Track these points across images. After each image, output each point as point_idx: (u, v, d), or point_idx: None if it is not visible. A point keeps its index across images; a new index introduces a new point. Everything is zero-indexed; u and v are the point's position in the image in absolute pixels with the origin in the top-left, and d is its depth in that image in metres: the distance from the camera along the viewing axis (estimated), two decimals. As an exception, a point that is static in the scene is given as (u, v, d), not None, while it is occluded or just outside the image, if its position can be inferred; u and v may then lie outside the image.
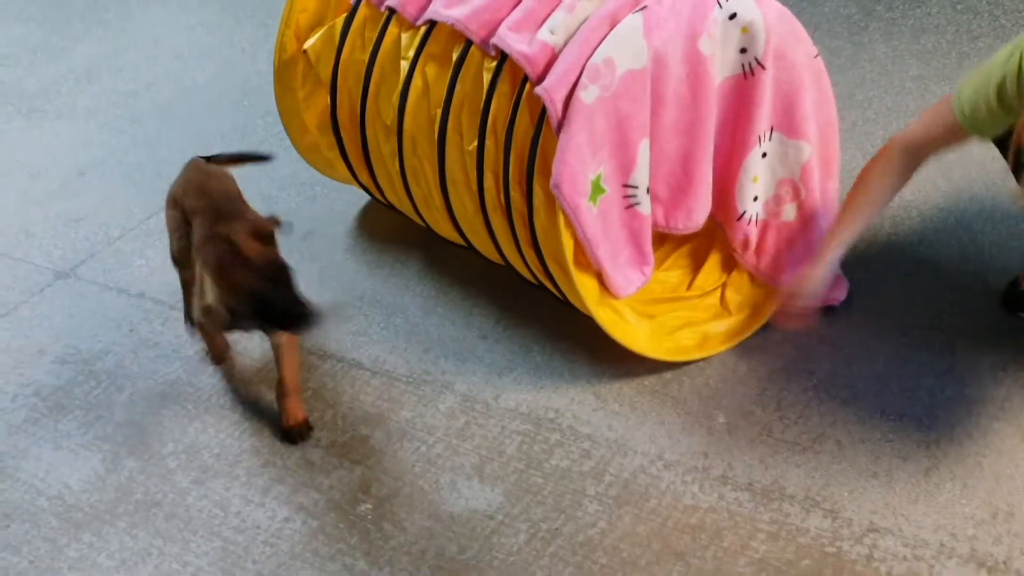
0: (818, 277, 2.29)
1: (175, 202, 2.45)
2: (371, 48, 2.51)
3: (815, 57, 2.34)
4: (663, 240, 2.69)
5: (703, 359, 2.47)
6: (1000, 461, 2.14)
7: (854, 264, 2.59)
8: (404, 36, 2.46)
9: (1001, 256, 2.61)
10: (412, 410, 2.44)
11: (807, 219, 2.48)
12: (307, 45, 2.65)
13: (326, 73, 2.63)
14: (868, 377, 2.37)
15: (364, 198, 3.10)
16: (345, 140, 2.71)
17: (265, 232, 2.27)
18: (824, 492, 2.12)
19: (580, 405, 2.40)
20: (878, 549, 2.01)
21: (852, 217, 2.30)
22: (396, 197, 2.76)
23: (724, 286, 2.61)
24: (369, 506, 2.22)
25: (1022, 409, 2.24)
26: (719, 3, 2.19)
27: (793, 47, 2.30)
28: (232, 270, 2.17)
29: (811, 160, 2.42)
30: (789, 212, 2.48)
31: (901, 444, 2.19)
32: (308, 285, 2.81)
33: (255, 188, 3.24)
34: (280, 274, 2.18)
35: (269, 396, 2.48)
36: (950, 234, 2.73)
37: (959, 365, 2.36)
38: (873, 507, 2.08)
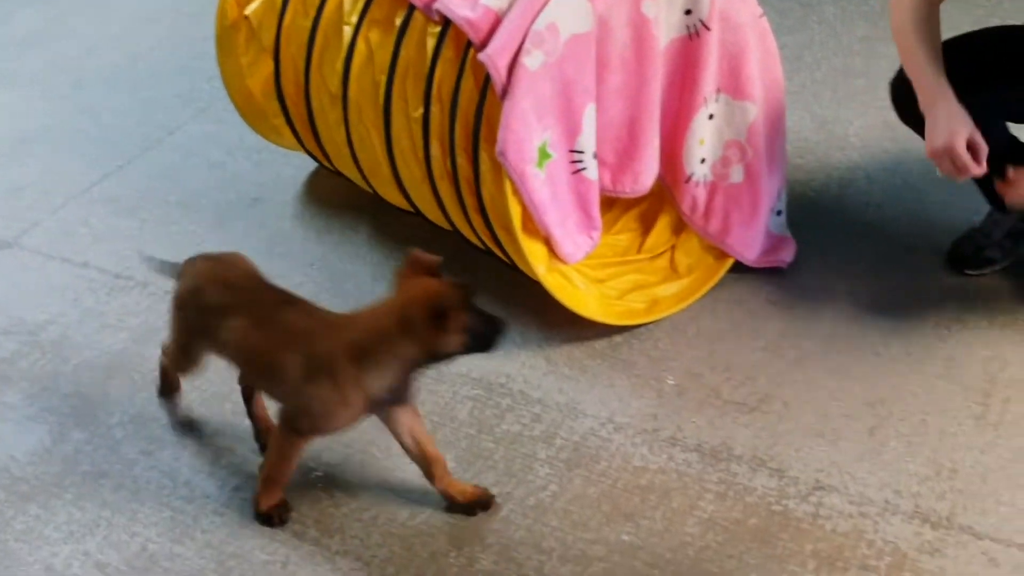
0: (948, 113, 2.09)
1: (184, 303, 2.12)
2: (314, 13, 2.47)
3: (760, 17, 2.34)
4: (611, 204, 2.69)
5: (653, 322, 2.48)
6: (944, 419, 2.18)
7: (801, 225, 2.61)
8: (347, 1, 2.43)
9: (946, 216, 2.65)
10: (363, 378, 2.43)
11: (754, 180, 2.49)
12: (248, 10, 2.61)
13: (269, 39, 2.59)
14: (815, 337, 2.39)
15: (312, 164, 3.07)
16: (290, 107, 2.68)
17: (432, 265, 1.97)
18: (771, 452, 2.15)
19: (531, 370, 2.41)
20: (824, 507, 2.03)
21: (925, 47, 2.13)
22: (343, 164, 2.74)
23: (673, 249, 2.62)
24: (320, 474, 2.21)
25: (966, 367, 2.28)
26: (663, -35, 2.18)
27: (738, 8, 2.30)
28: (441, 320, 1.86)
29: (757, 121, 2.42)
30: (736, 174, 2.48)
31: (847, 403, 2.22)
32: (256, 253, 2.81)
33: (202, 155, 3.22)
34: (472, 298, 1.93)
35: (214, 363, 2.46)
36: (896, 195, 2.76)
37: (904, 324, 2.40)
38: (819, 465, 2.11)
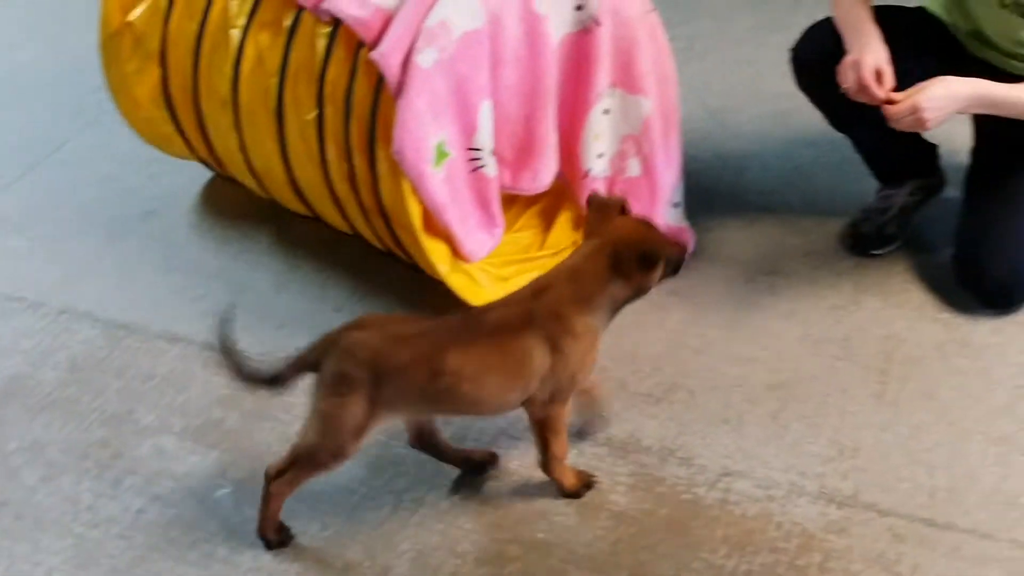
0: (955, 92, 2.14)
1: (356, 381, 1.88)
2: (200, 17, 2.42)
3: (650, 12, 2.36)
4: (513, 201, 2.69)
5: (558, 318, 2.48)
6: (844, 399, 2.22)
7: (699, 215, 2.64)
8: (233, 4, 2.39)
9: (838, 199, 2.70)
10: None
11: (651, 173, 2.51)
12: (132, 16, 2.54)
13: (154, 45, 2.53)
14: (717, 325, 2.43)
15: (207, 174, 3.00)
16: (180, 114, 2.62)
17: (618, 205, 1.99)
18: (678, 441, 2.17)
19: (438, 371, 2.39)
20: (732, 492, 2.06)
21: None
22: (238, 171, 2.68)
23: (575, 244, 2.63)
24: (227, 490, 2.17)
25: (862, 347, 2.33)
26: (552, -40, 2.18)
27: (628, 2, 2.32)
28: (652, 261, 1.90)
29: (652, 115, 2.44)
30: (633, 167, 2.50)
31: (750, 389, 2.25)
32: (152, 268, 2.75)
33: (92, 169, 3.13)
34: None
35: (114, 384, 2.40)
36: (789, 181, 2.81)
37: (802, 308, 2.44)
38: (726, 452, 2.14)
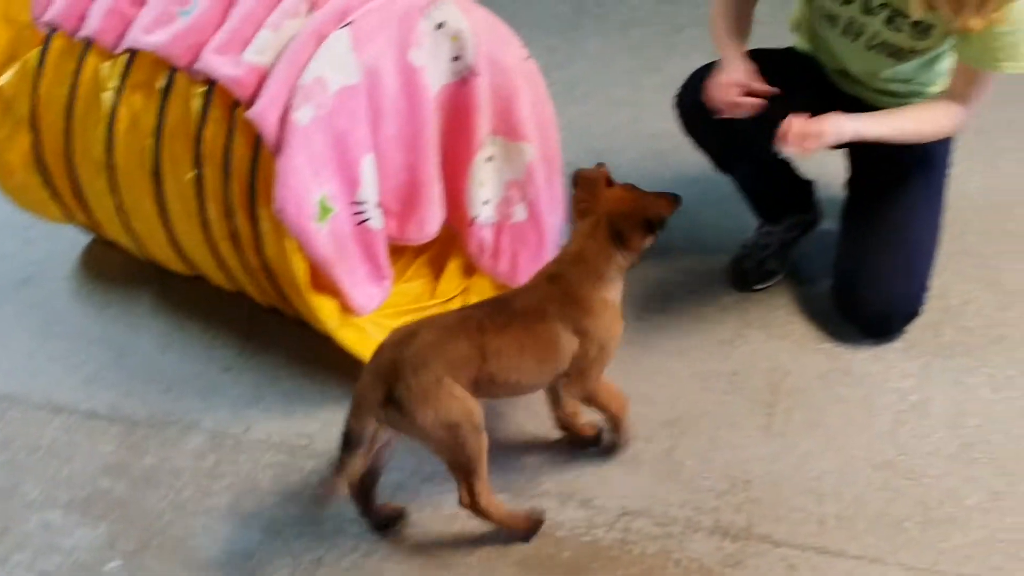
0: (841, 127, 2.18)
1: (442, 383, 1.92)
2: (70, 81, 2.37)
3: (526, 59, 2.39)
4: (401, 252, 2.69)
5: (451, 366, 2.48)
6: (734, 432, 2.26)
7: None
8: (104, 66, 2.34)
9: (720, 237, 2.76)
10: (156, 455, 2.33)
11: (537, 217, 2.53)
12: (0, 82, 2.47)
13: (25, 110, 2.46)
14: (609, 366, 2.44)
15: (85, 237, 2.93)
16: (55, 179, 2.55)
17: (603, 176, 2.07)
18: (576, 484, 2.18)
19: (333, 428, 2.33)
20: (631, 532, 2.08)
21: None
22: (117, 234, 2.62)
23: (466, 292, 2.64)
24: (118, 563, 2.10)
25: (749, 380, 2.38)
26: (426, 14, 2.19)
27: (503, 51, 2.34)
28: (651, 227, 2.02)
29: (535, 160, 2.47)
30: (519, 213, 2.52)
31: (645, 427, 2.28)
32: (31, 336, 2.66)
33: (-38, 236, 3.03)
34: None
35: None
36: (671, 220, 2.85)
37: (691, 345, 2.48)
38: (623, 492, 2.15)
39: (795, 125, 2.14)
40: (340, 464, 1.91)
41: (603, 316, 2.02)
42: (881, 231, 2.43)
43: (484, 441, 1.95)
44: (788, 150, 2.17)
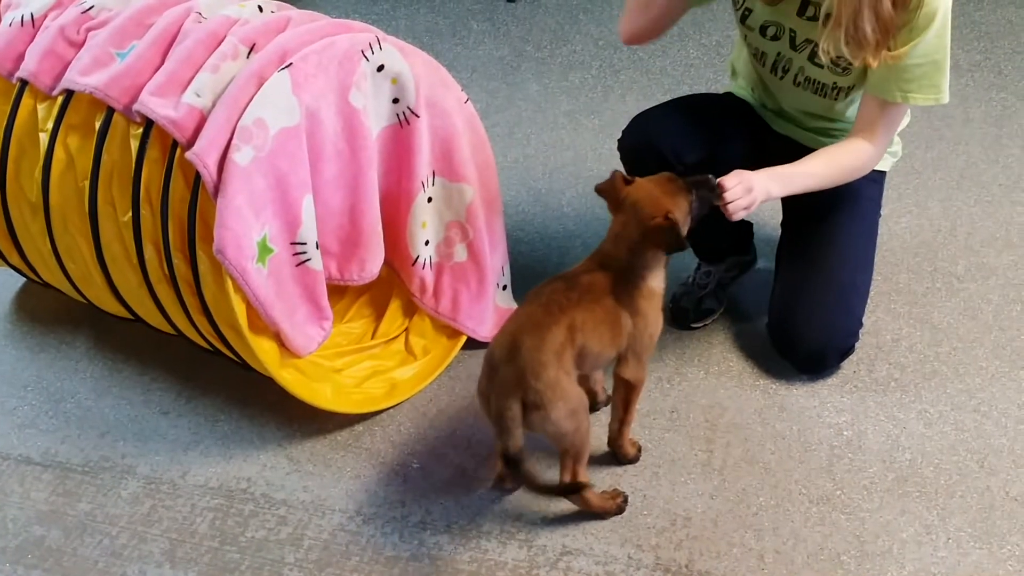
0: (767, 189, 2.20)
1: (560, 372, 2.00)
2: (4, 122, 2.34)
3: (465, 103, 2.42)
4: (342, 293, 2.69)
5: (394, 407, 2.48)
6: (674, 470, 2.28)
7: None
8: (41, 107, 2.32)
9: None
10: (91, 501, 2.29)
11: (478, 257, 2.55)
12: (-68, 123, 2.44)
13: (-43, 151, 2.43)
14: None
15: (19, 280, 2.89)
16: (-12, 221, 2.51)
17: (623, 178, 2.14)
18: (518, 523, 2.18)
19: (272, 471, 2.34)
20: (572, 571, 2.08)
21: None
22: (52, 276, 2.59)
23: (407, 331, 2.64)
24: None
25: (689, 417, 2.40)
26: (365, 57, 2.21)
27: (443, 94, 2.36)
28: (676, 226, 2.05)
29: (475, 201, 2.49)
30: (460, 253, 2.54)
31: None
32: (-39, 381, 2.61)
33: None
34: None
35: (-76, 509, 2.25)
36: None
37: (631, 382, 2.50)
38: (564, 530, 2.16)
39: (731, 201, 2.16)
40: (524, 480, 2.00)
41: (654, 301, 2.13)
42: (815, 270, 2.47)
43: (588, 426, 2.08)
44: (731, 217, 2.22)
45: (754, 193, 2.17)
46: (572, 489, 2.09)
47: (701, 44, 3.91)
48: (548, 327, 2.02)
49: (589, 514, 2.18)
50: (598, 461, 2.29)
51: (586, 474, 2.11)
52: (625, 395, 2.19)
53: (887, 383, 2.46)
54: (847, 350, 2.47)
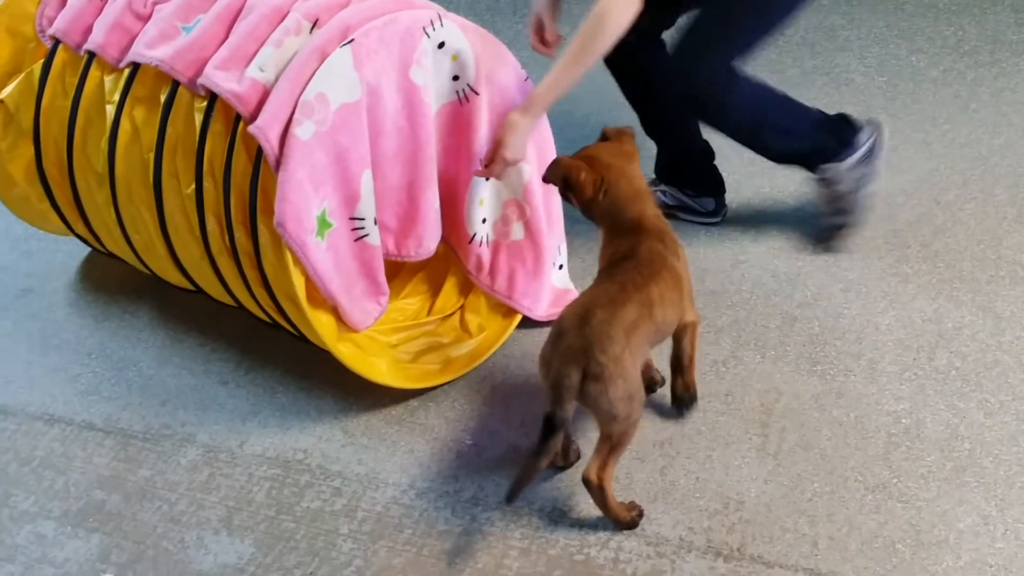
0: (527, 127, 2.32)
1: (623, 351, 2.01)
2: (73, 93, 2.39)
3: (525, 80, 2.41)
4: (398, 269, 2.70)
5: (448, 383, 2.49)
6: (727, 453, 2.27)
7: (583, 277, 2.68)
8: (108, 79, 2.36)
9: (714, 262, 2.78)
10: (151, 468, 2.33)
11: (535, 236, 2.55)
12: (3, 94, 2.50)
13: (27, 122, 2.48)
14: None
15: (85, 249, 2.95)
16: (55, 190, 2.57)
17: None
18: (570, 502, 2.18)
19: (328, 443, 2.37)
20: (623, 551, 2.08)
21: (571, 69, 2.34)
22: (117, 246, 2.64)
23: (463, 309, 2.65)
24: (110, 575, 2.10)
25: (744, 401, 2.39)
26: (427, 33, 2.21)
27: (502, 71, 2.36)
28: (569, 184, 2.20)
29: (533, 179, 2.48)
30: (517, 231, 2.54)
31: (638, 447, 2.27)
32: (28, 347, 2.67)
33: (-39, 247, 3.05)
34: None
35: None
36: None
37: (686, 364, 2.49)
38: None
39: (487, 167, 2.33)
40: (543, 449, 1.97)
41: (676, 242, 2.23)
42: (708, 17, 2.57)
43: (640, 410, 2.07)
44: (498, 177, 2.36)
45: (501, 148, 2.28)
46: (595, 484, 2.05)
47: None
48: (622, 303, 2.03)
49: (642, 496, 2.17)
50: (640, 455, 2.29)
51: (613, 476, 2.06)
52: (691, 336, 2.25)
53: (947, 372, 2.42)
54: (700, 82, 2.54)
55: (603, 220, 2.24)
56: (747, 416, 2.35)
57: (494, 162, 2.32)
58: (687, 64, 2.55)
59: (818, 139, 2.72)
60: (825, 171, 2.72)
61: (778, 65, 3.64)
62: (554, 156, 2.53)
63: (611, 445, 2.03)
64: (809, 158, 2.75)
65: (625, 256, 2.14)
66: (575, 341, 1.98)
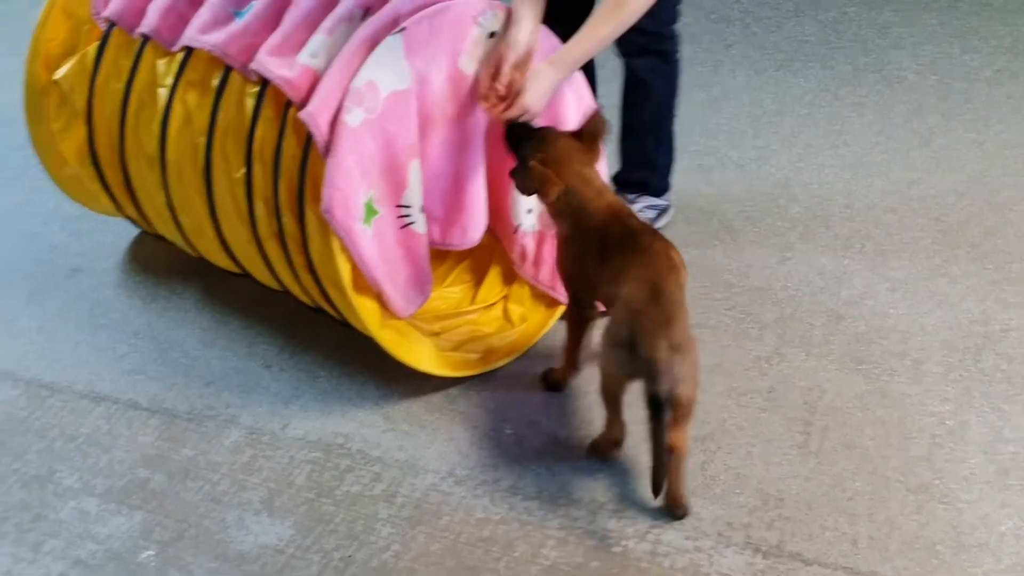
0: (550, 78, 2.30)
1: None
2: (126, 77, 2.42)
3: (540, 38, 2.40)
4: (443, 257, 2.71)
5: (488, 372, 2.50)
6: (768, 449, 2.26)
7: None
8: (160, 63, 2.39)
9: (760, 255, 2.76)
10: (194, 448, 2.36)
11: (579, 228, 2.55)
12: (58, 75, 2.53)
13: (81, 103, 2.52)
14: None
15: (134, 230, 2.99)
16: (106, 172, 2.60)
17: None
18: (608, 493, 2.18)
19: (369, 428, 2.39)
20: (661, 544, 2.08)
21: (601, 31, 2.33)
22: (166, 228, 2.67)
23: (506, 299, 2.66)
24: (152, 552, 2.13)
25: (785, 398, 2.38)
26: (477, 22, 2.22)
27: (553, 61, 2.36)
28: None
29: (579, 171, 2.48)
30: (562, 223, 2.54)
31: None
32: (76, 326, 2.71)
33: (14, 226, 3.09)
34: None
35: (35, 444, 2.35)
36: (713, 235, 2.88)
37: (727, 360, 2.48)
38: (655, 504, 2.15)
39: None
40: (661, 428, 2.01)
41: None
42: None
43: None
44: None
45: (522, 95, 2.25)
46: (684, 449, 2.09)
47: (817, 20, 3.84)
48: (679, 271, 2.11)
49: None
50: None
51: None
52: None
53: (993, 373, 2.40)
54: None
55: (564, 217, 2.25)
56: (789, 413, 2.34)
57: (512, 106, 2.27)
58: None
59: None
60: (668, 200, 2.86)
61: (829, 61, 3.61)
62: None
63: (684, 411, 2.05)
64: (666, 178, 2.87)
65: (621, 236, 2.16)
66: (657, 315, 2.01)
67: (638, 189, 2.88)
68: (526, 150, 2.23)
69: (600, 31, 2.31)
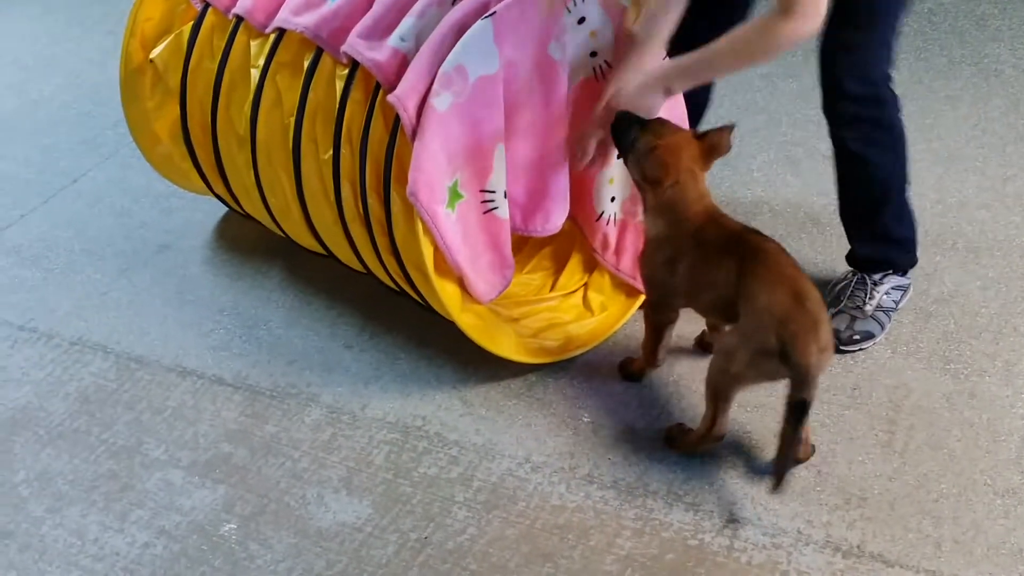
0: (644, 85, 2.19)
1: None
2: (220, 56, 2.46)
3: (664, 59, 2.38)
4: (524, 243, 2.71)
5: (567, 360, 2.49)
6: (852, 448, 2.22)
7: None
8: (253, 44, 2.42)
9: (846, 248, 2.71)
10: (277, 424, 2.40)
11: (663, 218, 2.52)
12: (154, 54, 2.58)
13: (175, 82, 2.57)
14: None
15: (222, 209, 3.04)
16: (198, 150, 2.65)
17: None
18: (686, 486, 2.17)
19: (447, 411, 2.40)
20: (738, 539, 2.06)
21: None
22: (253, 208, 2.71)
23: (586, 286, 2.65)
24: (233, 526, 2.17)
25: (871, 396, 2.33)
26: (568, 8, 2.21)
27: (642, 50, 2.34)
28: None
29: (664, 160, 2.45)
30: (646, 211, 2.52)
31: (757, 435, 2.25)
32: (164, 301, 2.77)
33: (108, 202, 3.17)
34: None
35: (123, 416, 2.41)
36: (800, 227, 2.83)
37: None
38: (733, 498, 2.13)
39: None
40: (797, 437, 2.03)
41: None
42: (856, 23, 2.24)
43: None
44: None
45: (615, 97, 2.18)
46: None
47: (912, 11, 3.74)
48: (801, 273, 2.07)
49: (761, 486, 2.14)
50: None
51: None
52: None
53: (1089, 378, 2.33)
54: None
55: (661, 213, 2.19)
56: (874, 412, 2.29)
57: (604, 107, 2.22)
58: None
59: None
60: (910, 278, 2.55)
61: (924, 53, 3.53)
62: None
63: (810, 399, 2.02)
64: (912, 252, 2.54)
65: (724, 239, 2.13)
66: (805, 321, 1.99)
67: (882, 268, 2.52)
68: (637, 135, 2.17)
69: (718, 65, 2.17)
